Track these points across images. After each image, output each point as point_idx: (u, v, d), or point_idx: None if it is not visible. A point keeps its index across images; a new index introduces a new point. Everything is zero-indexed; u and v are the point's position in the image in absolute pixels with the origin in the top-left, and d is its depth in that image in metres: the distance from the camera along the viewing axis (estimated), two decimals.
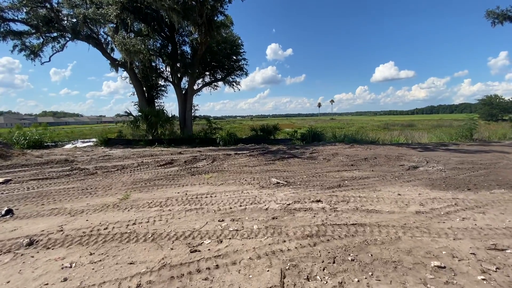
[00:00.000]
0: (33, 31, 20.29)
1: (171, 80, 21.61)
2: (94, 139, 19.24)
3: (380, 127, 44.43)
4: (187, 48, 22.38)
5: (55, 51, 21.60)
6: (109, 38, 20.95)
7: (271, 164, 8.41)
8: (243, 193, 5.17)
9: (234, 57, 22.53)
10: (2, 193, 5.81)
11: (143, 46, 17.22)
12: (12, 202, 5.14)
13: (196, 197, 4.98)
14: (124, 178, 7.01)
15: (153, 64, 20.94)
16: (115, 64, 20.66)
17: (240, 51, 22.80)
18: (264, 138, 19.30)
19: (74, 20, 18.86)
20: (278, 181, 5.77)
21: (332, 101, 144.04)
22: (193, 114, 22.72)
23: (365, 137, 19.05)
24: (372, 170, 7.08)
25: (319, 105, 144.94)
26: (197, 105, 22.94)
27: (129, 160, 10.13)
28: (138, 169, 8.26)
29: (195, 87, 22.21)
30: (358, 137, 18.54)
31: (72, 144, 18.96)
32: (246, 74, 23.05)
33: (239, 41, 22.86)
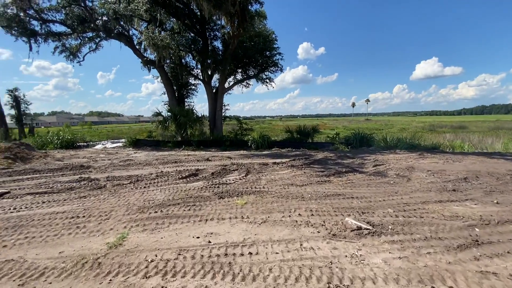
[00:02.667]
0: (70, 31, 20.16)
1: (201, 78, 20.19)
2: (123, 140, 18.46)
3: (424, 129, 39.41)
4: (218, 44, 20.82)
5: (90, 51, 21.38)
6: (140, 36, 20.19)
7: (326, 182, 6.13)
8: (303, 249, 3.00)
9: (268, 52, 20.44)
10: None
11: (172, 41, 15.91)
12: None
13: (225, 255, 2.94)
14: (132, 199, 5.25)
15: (183, 61, 19.67)
16: (145, 62, 19.78)
17: (274, 45, 20.67)
18: (301, 141, 16.94)
19: (106, 18, 18.23)
20: (358, 223, 3.50)
21: (367, 100, 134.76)
22: (223, 114, 21.11)
23: (423, 142, 15.80)
24: (497, 202, 4.51)
25: (353, 105, 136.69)
26: (228, 104, 21.38)
27: (148, 168, 8.53)
28: (154, 183, 6.53)
29: (226, 85, 20.54)
30: (415, 141, 15.37)
31: (102, 144, 18.35)
32: (281, 70, 20.82)
33: (273, 36, 20.74)
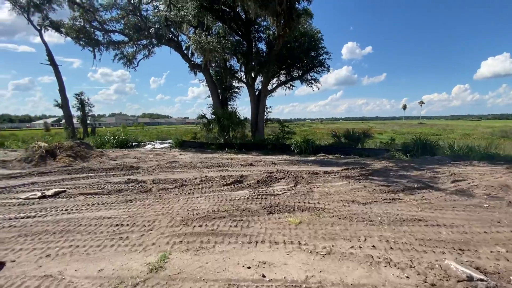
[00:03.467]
0: (127, 39, 21.78)
1: (244, 80, 20.04)
2: (170, 141, 19.16)
3: (494, 135, 33.81)
4: (262, 46, 20.48)
5: (143, 57, 22.85)
6: (188, 41, 20.91)
7: (395, 200, 5.08)
8: None
9: (314, 52, 19.41)
10: (27, 218, 4.42)
11: (218, 44, 15.97)
12: (25, 240, 3.55)
13: None
14: (176, 207, 4.93)
15: (228, 64, 19.74)
16: (192, 66, 20.35)
17: (320, 45, 19.56)
18: (350, 147, 15.53)
19: (158, 25, 19.20)
20: (466, 270, 2.53)
21: (421, 102, 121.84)
22: (265, 117, 20.63)
23: (502, 151, 13.21)
24: None
25: (404, 107, 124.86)
26: (270, 107, 20.72)
27: (193, 172, 8.33)
28: (198, 189, 6.19)
29: (269, 87, 20.05)
30: (492, 150, 12.91)
31: (152, 145, 19.28)
32: (328, 70, 19.62)
33: (319, 35, 19.65)
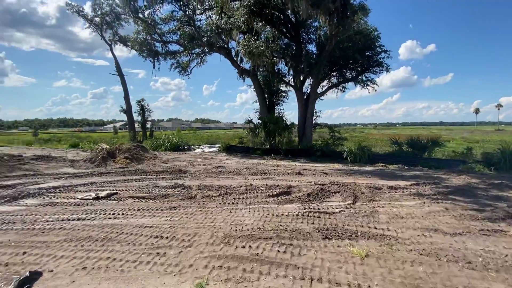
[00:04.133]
0: (182, 49, 23.12)
1: (292, 84, 19.33)
2: (218, 145, 19.48)
3: None
4: (312, 48, 19.56)
5: (196, 64, 23.99)
6: (237, 47, 21.21)
7: (498, 233, 3.78)
8: None
9: (369, 52, 17.70)
10: (77, 220, 4.45)
11: (266, 48, 15.66)
12: (68, 246, 3.49)
13: None
14: (219, 219, 4.49)
15: (276, 68, 19.31)
16: (240, 71, 20.50)
17: (377, 44, 17.75)
18: (415, 157, 13.48)
19: (209, 33, 19.84)
20: None
21: (499, 105, 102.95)
22: (313, 121, 19.52)
23: None
24: None
25: (476, 111, 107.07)
26: (319, 111, 19.53)
27: (238, 178, 7.94)
28: (242, 199, 5.71)
29: (319, 90, 18.93)
30: None
31: (201, 148, 19.85)
32: (387, 70, 17.65)
33: (375, 33, 17.85)
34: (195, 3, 20.66)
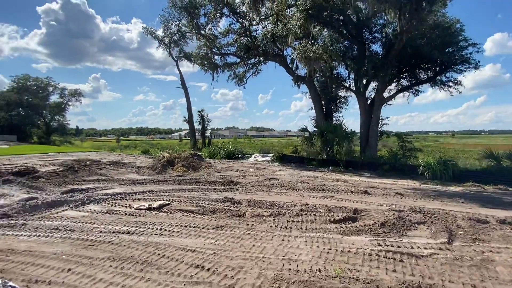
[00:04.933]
0: (239, 60, 23.72)
1: (353, 89, 17.58)
2: (271, 154, 18.94)
3: None
4: (377, 48, 17.52)
5: (251, 74, 24.27)
6: (292, 53, 20.60)
7: None
8: None
9: (451, 48, 14.83)
10: (126, 234, 4.27)
11: (324, 52, 14.57)
12: (110, 267, 3.24)
13: None
14: (268, 249, 3.76)
15: (334, 72, 17.92)
16: (295, 78, 19.76)
17: (461, 37, 14.77)
18: None
19: (265, 41, 19.73)
20: None
21: None
22: (379, 129, 17.28)
23: None
24: None
25: None
26: (387, 118, 17.22)
27: (292, 195, 7.11)
28: (297, 223, 4.86)
29: (385, 94, 16.73)
30: None
31: (254, 157, 19.62)
32: (476, 67, 14.51)
33: (458, 26, 14.89)
34: (251, 15, 20.96)
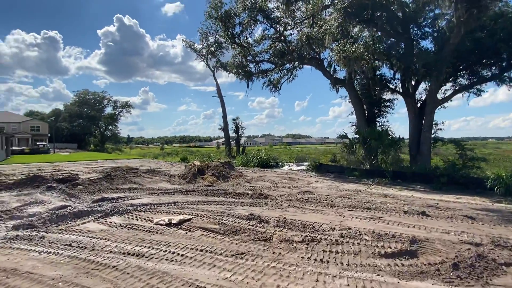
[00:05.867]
0: (273, 67, 23.18)
1: (400, 90, 15.61)
2: (307, 163, 17.70)
3: None
4: (427, 44, 15.44)
5: (286, 79, 23.51)
6: (330, 56, 19.33)
7: None
8: None
9: None
10: (135, 257, 3.70)
11: (365, 51, 13.15)
12: None
13: None
14: None
15: (377, 73, 16.18)
16: (334, 81, 18.42)
17: None
18: None
19: (299, 44, 18.84)
20: None
21: None
22: (432, 135, 14.98)
23: None
24: None
25: None
26: (442, 122, 14.88)
27: (329, 213, 6.01)
28: (335, 254, 3.83)
29: (440, 96, 14.47)
30: None
31: (289, 166, 18.58)
32: None
33: None
34: (285, 19, 20.31)
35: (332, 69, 19.52)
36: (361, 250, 3.96)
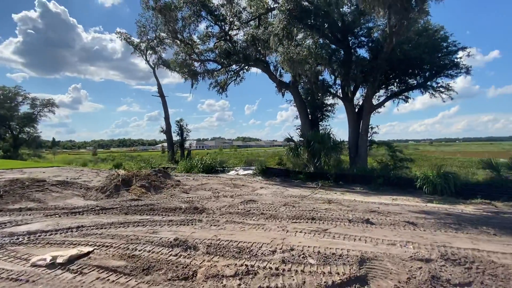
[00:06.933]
0: (220, 67, 22.06)
1: (341, 95, 16.23)
2: (253, 167, 17.04)
3: None
4: (363, 52, 16.40)
5: (232, 81, 22.63)
6: (275, 59, 19.20)
7: None
8: None
9: (440, 53, 13.87)
10: None
11: (309, 54, 13.14)
12: None
13: None
14: None
15: (320, 77, 16.54)
16: (279, 84, 18.28)
17: (450, 40, 13.87)
18: None
19: (245, 44, 18.23)
20: None
21: None
22: (369, 139, 15.91)
23: None
24: None
25: None
26: (377, 126, 15.88)
27: (272, 228, 5.20)
28: None
29: (375, 101, 15.47)
30: None
31: (235, 170, 17.64)
32: (468, 72, 13.53)
33: (442, 33, 14.04)
34: (231, 19, 19.47)
35: (278, 73, 19.43)
36: (305, 282, 3.17)
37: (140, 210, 6.87)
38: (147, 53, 27.91)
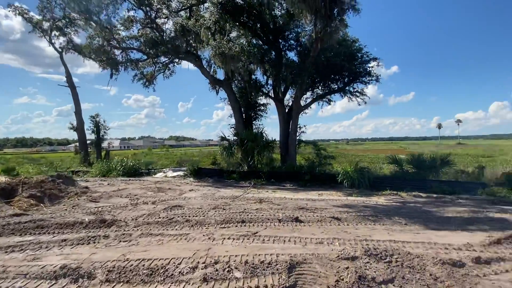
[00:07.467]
0: (146, 57, 19.72)
1: (272, 95, 16.62)
2: (184, 168, 15.83)
3: None
4: (292, 56, 17.20)
5: (159, 74, 20.59)
6: (208, 54, 18.33)
7: None
8: None
9: (357, 61, 15.69)
10: None
11: (241, 51, 12.87)
12: None
13: None
14: None
15: (253, 77, 16.56)
16: (212, 80, 17.52)
17: (365, 51, 15.84)
18: (423, 179, 11.01)
19: (174, 34, 16.78)
20: None
21: (458, 121, 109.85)
22: (297, 138, 16.75)
23: None
24: None
25: (439, 126, 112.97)
26: (304, 126, 16.84)
27: (197, 238, 4.53)
28: None
29: (302, 102, 16.38)
30: None
31: (164, 172, 16.04)
32: (377, 80, 15.62)
33: (357, 45, 15.99)
34: (158, 5, 17.66)
35: (212, 70, 18.62)
36: None
37: (21, 229, 5.17)
38: (52, 34, 22.91)
